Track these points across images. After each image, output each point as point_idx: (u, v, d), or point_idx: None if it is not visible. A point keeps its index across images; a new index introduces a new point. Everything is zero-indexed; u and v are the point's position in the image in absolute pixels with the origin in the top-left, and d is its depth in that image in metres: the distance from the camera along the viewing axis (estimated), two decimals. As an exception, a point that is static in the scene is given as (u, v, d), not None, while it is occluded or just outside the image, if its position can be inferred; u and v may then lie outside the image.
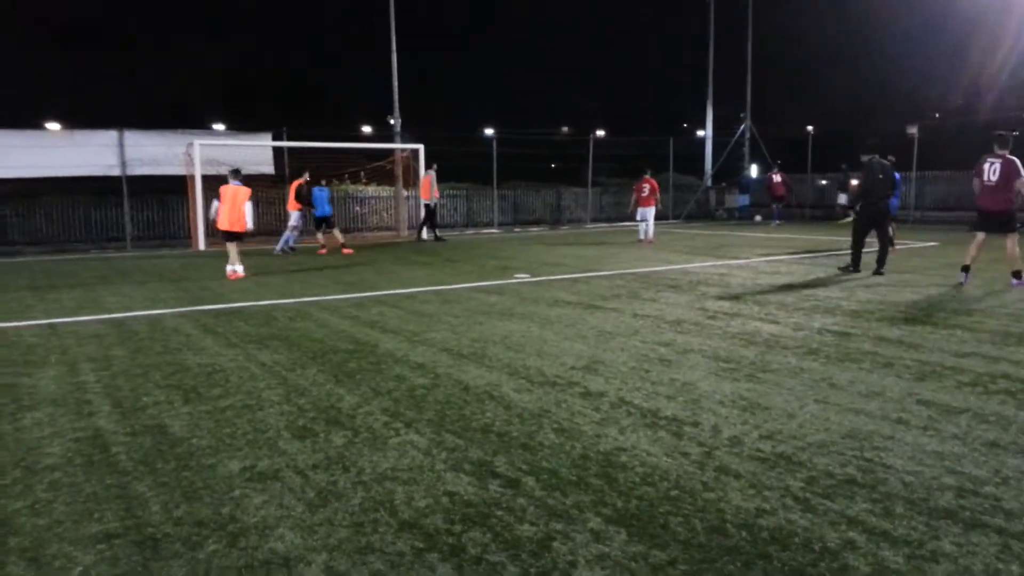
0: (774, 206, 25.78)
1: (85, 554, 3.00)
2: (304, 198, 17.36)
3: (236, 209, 12.28)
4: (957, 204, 25.79)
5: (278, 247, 17.31)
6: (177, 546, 3.06)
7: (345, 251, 16.91)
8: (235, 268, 12.35)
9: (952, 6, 38.76)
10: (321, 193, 17.48)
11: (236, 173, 12.66)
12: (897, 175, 14.91)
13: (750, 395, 5.08)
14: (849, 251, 11.86)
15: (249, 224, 12.43)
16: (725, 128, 31.95)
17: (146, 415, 4.84)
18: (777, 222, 25.16)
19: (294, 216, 17.66)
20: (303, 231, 18.57)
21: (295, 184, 17.66)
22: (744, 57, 30.31)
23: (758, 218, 27.05)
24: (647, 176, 18.71)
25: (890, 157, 12.13)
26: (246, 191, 12.37)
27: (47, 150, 18.88)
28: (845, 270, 11.65)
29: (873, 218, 11.48)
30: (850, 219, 24.48)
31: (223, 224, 12.45)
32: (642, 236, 18.64)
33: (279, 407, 4.97)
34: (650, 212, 18.50)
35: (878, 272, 11.27)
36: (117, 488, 3.66)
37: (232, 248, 12.41)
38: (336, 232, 17.62)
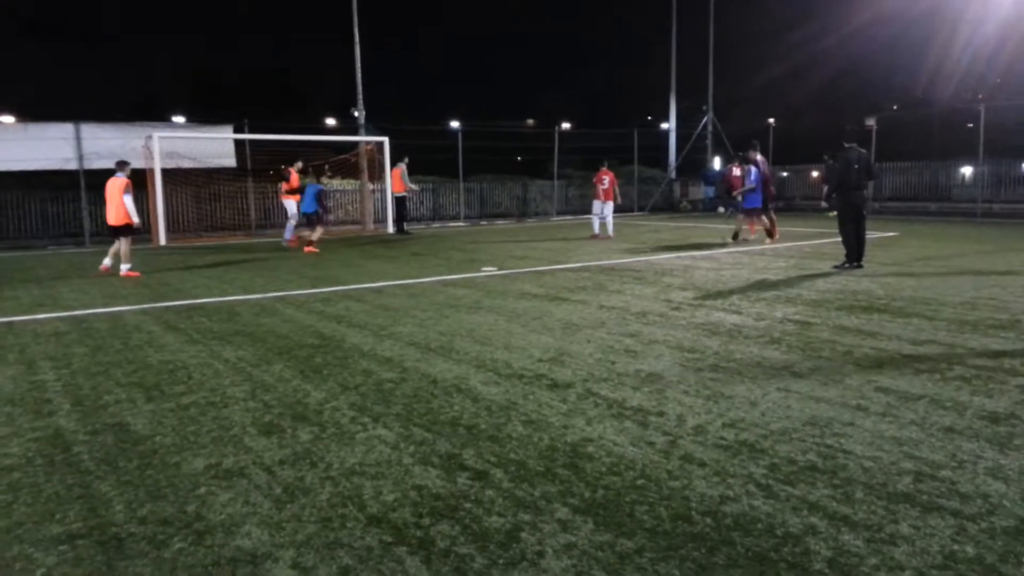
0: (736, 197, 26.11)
1: (47, 555, 2.96)
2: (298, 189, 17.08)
3: (111, 201, 11.87)
4: (915, 195, 26.36)
5: (287, 236, 17.29)
6: (142, 545, 3.02)
7: (307, 249, 16.20)
8: (125, 267, 11.88)
9: (912, 2, 39.46)
10: (311, 189, 16.83)
11: (121, 165, 12.21)
12: (754, 170, 15.24)
13: (714, 384, 5.15)
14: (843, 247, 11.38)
15: (134, 217, 11.86)
16: (688, 121, 32.21)
17: (107, 413, 4.77)
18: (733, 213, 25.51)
19: (292, 206, 17.38)
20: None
21: (290, 172, 17.47)
22: (707, 50, 30.56)
23: (721, 209, 27.31)
24: (604, 168, 17.68)
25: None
26: (122, 182, 11.82)
27: (0, 144, 18.42)
28: (841, 267, 11.14)
29: (854, 207, 11.17)
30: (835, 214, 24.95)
31: (108, 219, 12.10)
32: (596, 231, 17.65)
33: (244, 403, 4.93)
34: (608, 207, 17.57)
35: (858, 265, 11.07)
36: (79, 488, 3.61)
37: (123, 244, 11.94)
38: (316, 231, 16.77)
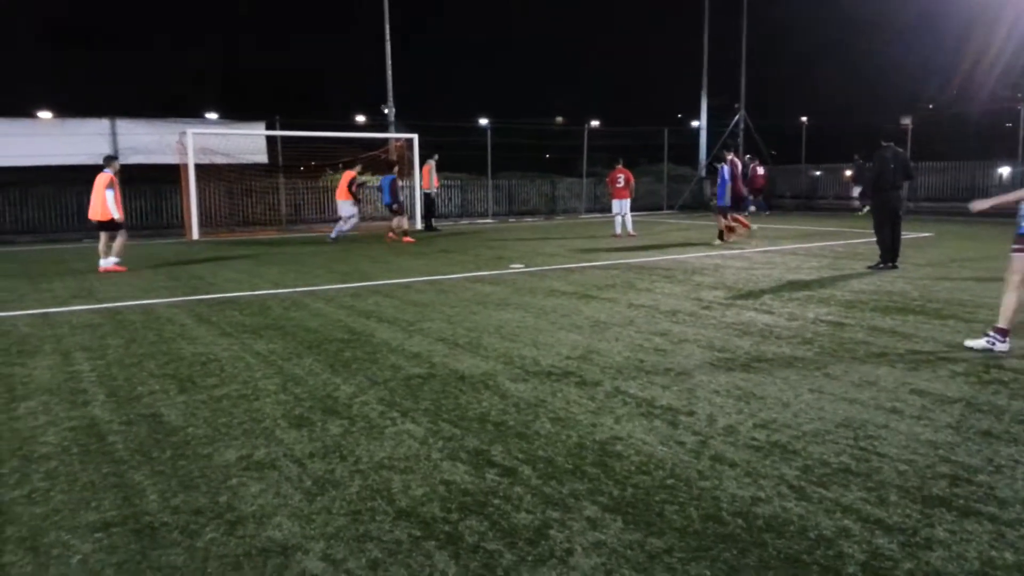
0: (758, 197, 26.08)
1: (83, 543, 3.01)
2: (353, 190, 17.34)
3: (95, 197, 11.85)
4: (951, 195, 25.90)
5: (332, 234, 17.51)
6: (175, 534, 3.06)
7: (404, 239, 17.09)
8: (105, 262, 11.87)
9: (948, 1, 38.77)
10: (384, 181, 17.51)
11: (107, 160, 12.15)
12: (726, 169, 15.11)
13: (745, 384, 5.10)
14: (877, 247, 11.25)
15: (113, 213, 11.77)
16: (719, 119, 31.93)
17: (141, 404, 4.83)
18: (767, 212, 25.33)
19: (345, 206, 17.49)
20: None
21: (347, 175, 17.57)
22: (739, 48, 30.28)
23: (752, 208, 26.98)
24: (620, 166, 17.46)
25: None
26: (105, 178, 11.80)
27: (39, 139, 18.78)
28: (875, 268, 10.99)
29: (890, 207, 10.99)
30: (866, 211, 24.57)
31: (89, 214, 12.10)
32: (618, 230, 17.44)
33: (275, 396, 4.97)
34: (626, 204, 17.34)
35: (893, 265, 10.94)
36: (114, 477, 3.66)
37: (103, 239, 11.95)
38: (396, 220, 17.43)
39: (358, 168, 17.93)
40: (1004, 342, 5.91)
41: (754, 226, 16.20)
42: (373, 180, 22.29)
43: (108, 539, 3.03)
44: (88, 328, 7.34)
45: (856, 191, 25.64)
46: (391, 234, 17.23)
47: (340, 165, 23.47)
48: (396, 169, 18.00)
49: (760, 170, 25.96)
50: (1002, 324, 5.94)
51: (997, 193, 25.44)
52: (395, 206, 17.30)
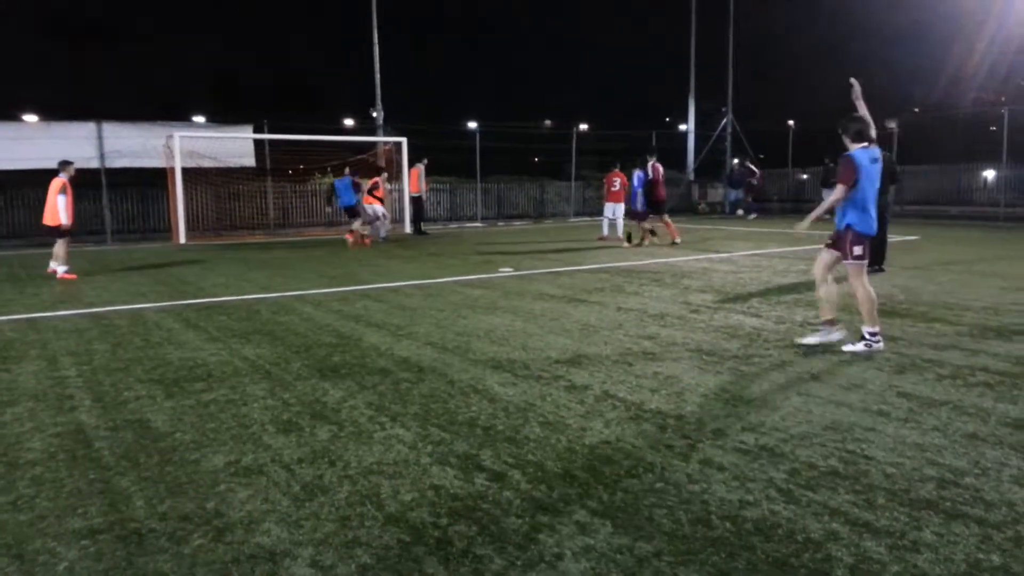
0: (749, 200, 26.30)
1: (69, 549, 2.98)
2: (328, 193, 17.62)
3: (49, 202, 11.77)
4: (936, 198, 26.10)
5: (381, 233, 18.02)
6: (162, 541, 3.04)
7: (365, 240, 17.23)
8: (55, 266, 11.73)
9: (935, 4, 39.09)
10: (342, 183, 17.41)
11: (62, 164, 12.00)
12: (640, 175, 15.26)
13: (733, 388, 5.12)
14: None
15: (63, 218, 11.68)
16: (707, 122, 32.07)
17: (128, 410, 4.80)
18: (753, 215, 25.49)
19: (375, 209, 17.88)
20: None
21: (372, 181, 18.18)
22: (726, 52, 30.43)
23: (740, 212, 27.05)
24: (616, 170, 17.60)
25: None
26: (57, 183, 11.69)
27: (24, 142, 18.61)
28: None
29: (877, 210, 11.03)
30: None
31: (43, 219, 12.00)
32: (605, 232, 17.66)
33: (263, 401, 4.95)
34: (619, 209, 17.39)
35: (879, 268, 10.86)
36: (100, 483, 3.63)
37: (58, 245, 11.82)
38: (357, 224, 17.32)
39: (384, 176, 18.74)
40: (836, 331, 6.30)
41: (645, 239, 16.18)
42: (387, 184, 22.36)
43: (94, 546, 3.00)
44: (74, 333, 7.29)
45: (827, 194, 25.84)
46: (353, 236, 17.08)
47: (329, 169, 23.45)
48: (348, 170, 17.90)
49: (756, 173, 26.24)
50: (828, 316, 6.32)
51: (980, 198, 25.39)
52: (356, 209, 17.28)
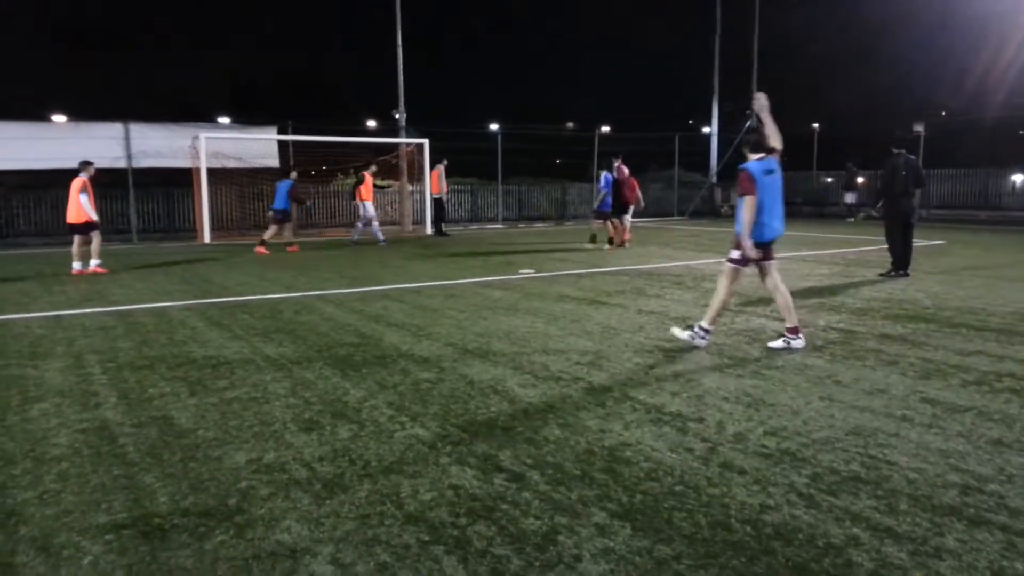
0: None
1: (93, 544, 3.03)
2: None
3: (71, 200, 12.09)
4: (964, 203, 25.78)
5: (380, 239, 17.55)
6: (185, 537, 3.08)
7: (258, 250, 15.74)
8: (81, 265, 12.02)
9: (962, 7, 38.60)
10: (282, 186, 16.27)
11: (82, 165, 12.28)
12: (607, 176, 15.05)
13: (755, 391, 5.09)
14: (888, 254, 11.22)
15: (91, 215, 12.00)
16: (730, 125, 31.87)
17: (152, 407, 4.86)
18: None
19: (367, 207, 17.68)
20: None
21: (363, 174, 17.87)
22: (751, 54, 30.24)
23: None
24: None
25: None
26: (78, 182, 11.98)
27: (53, 142, 18.88)
28: (887, 275, 10.90)
29: (901, 214, 10.89)
30: (860, 218, 24.45)
31: (67, 218, 12.34)
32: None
33: (285, 400, 4.99)
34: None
35: (904, 273, 10.89)
36: (124, 479, 3.68)
37: (76, 242, 12.15)
38: (285, 228, 16.32)
39: (372, 169, 18.16)
40: (798, 338, 6.40)
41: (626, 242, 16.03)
42: (387, 183, 22.40)
43: (118, 541, 3.05)
44: (100, 331, 7.39)
45: (848, 197, 25.57)
46: (276, 242, 16.12)
47: (352, 170, 23.57)
48: (294, 175, 16.86)
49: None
50: (791, 324, 6.44)
51: (1009, 202, 25.10)
52: (278, 215, 16.07)
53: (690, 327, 6.57)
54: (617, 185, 15.55)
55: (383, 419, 4.57)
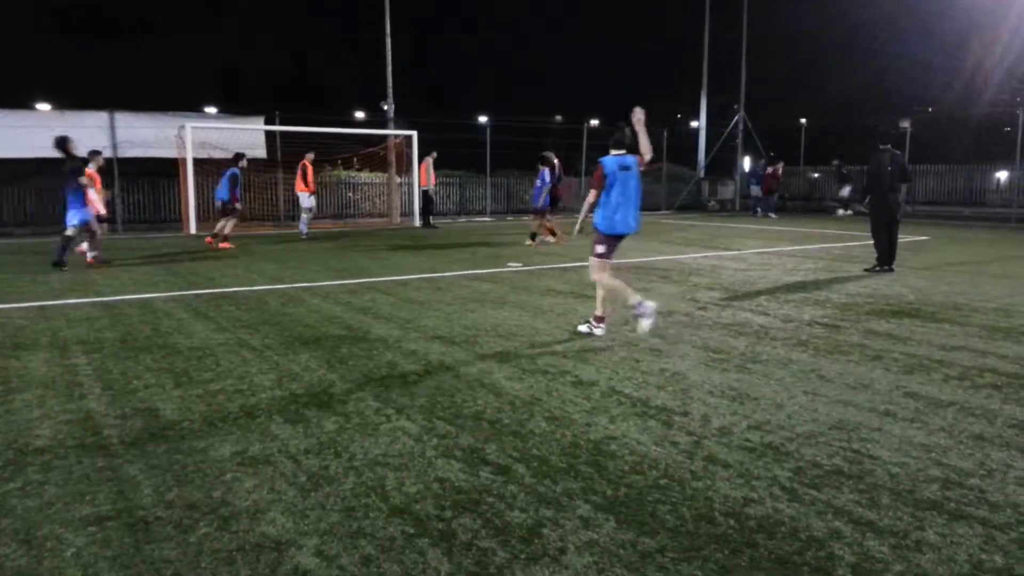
0: (775, 198, 26.07)
1: (77, 536, 3.01)
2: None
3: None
4: (948, 199, 25.95)
5: (303, 229, 17.37)
6: (168, 529, 3.07)
7: (220, 244, 14.89)
8: (91, 254, 11.98)
9: (950, 3, 38.78)
10: (226, 174, 15.09)
11: (90, 154, 12.28)
12: (545, 172, 15.07)
13: (739, 385, 5.12)
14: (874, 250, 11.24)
15: (99, 208, 11.96)
16: (718, 119, 31.93)
17: (137, 398, 4.84)
18: (773, 215, 25.29)
19: (305, 198, 17.46)
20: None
21: (302, 164, 17.45)
22: (739, 48, 30.29)
23: (773, 216, 26.14)
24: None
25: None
26: (86, 172, 11.83)
27: (37, 131, 18.64)
28: (872, 271, 10.99)
29: (886, 210, 10.94)
30: (848, 214, 24.55)
31: None
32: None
33: (271, 392, 4.98)
34: None
35: (889, 269, 10.97)
36: (108, 471, 3.67)
37: (98, 231, 12.14)
38: (223, 222, 15.06)
39: (310, 156, 17.72)
40: (600, 327, 6.74)
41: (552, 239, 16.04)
42: (359, 175, 22.25)
43: (102, 533, 3.04)
44: (85, 321, 7.34)
45: (844, 191, 25.66)
46: (209, 238, 15.22)
47: (339, 161, 23.45)
48: (243, 163, 15.54)
49: (770, 170, 26.06)
50: (600, 312, 6.79)
51: (993, 199, 25.23)
52: (229, 206, 14.91)
53: (587, 320, 6.87)
54: (556, 182, 15.57)
55: (369, 412, 4.57)
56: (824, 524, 3.10)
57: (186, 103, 26.86)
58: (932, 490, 3.43)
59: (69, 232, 11.46)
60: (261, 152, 21.50)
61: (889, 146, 10.96)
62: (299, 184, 17.59)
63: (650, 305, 6.56)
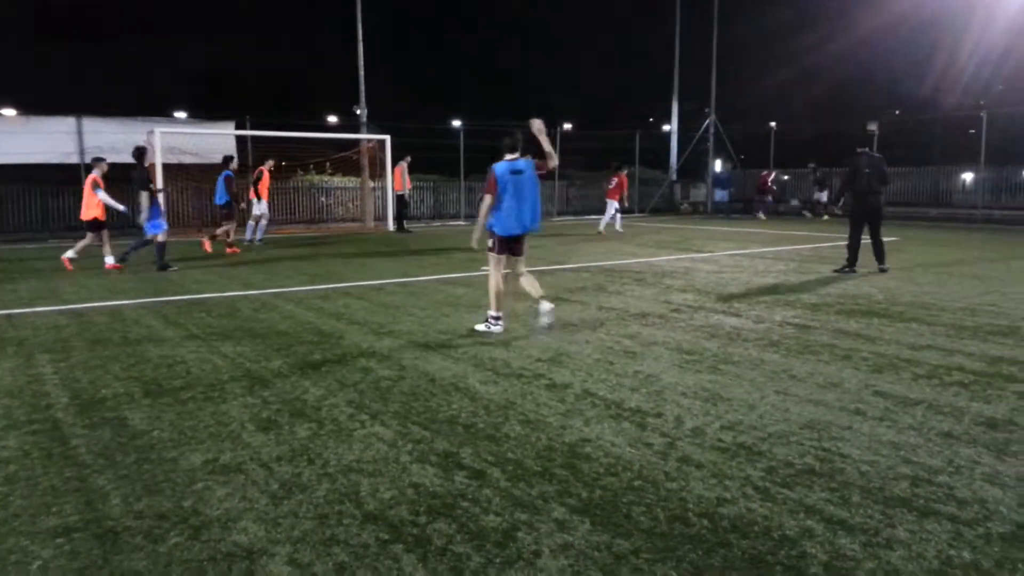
0: (768, 200, 26.34)
1: (43, 548, 2.96)
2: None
3: (85, 197, 12.07)
4: (916, 200, 26.35)
5: (257, 237, 17.08)
6: (138, 539, 3.02)
7: (227, 249, 15.11)
8: (108, 260, 12.06)
9: (917, 9, 39.44)
10: (220, 179, 15.55)
11: (94, 160, 12.28)
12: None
13: (712, 386, 5.15)
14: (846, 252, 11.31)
15: (117, 207, 12.01)
16: (690, 123, 32.16)
17: (105, 407, 4.76)
18: (762, 216, 25.53)
19: (256, 205, 17.22)
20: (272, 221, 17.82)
21: (257, 171, 17.32)
22: (710, 53, 30.54)
23: (761, 215, 26.31)
24: (622, 172, 19.05)
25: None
26: (89, 178, 11.98)
27: (2, 136, 18.41)
28: (841, 271, 11.07)
29: (867, 213, 11.06)
30: (825, 218, 24.80)
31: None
32: (602, 228, 18.75)
33: (242, 399, 4.93)
34: (611, 205, 18.83)
35: (882, 269, 11.07)
36: (76, 481, 3.60)
37: (88, 238, 12.22)
38: (225, 227, 15.38)
39: (269, 164, 17.71)
40: (499, 324, 7.03)
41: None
42: (332, 179, 22.10)
43: (69, 544, 2.98)
44: (52, 329, 7.22)
45: (822, 196, 25.99)
46: (207, 241, 15.29)
47: (312, 166, 23.29)
48: (233, 165, 15.95)
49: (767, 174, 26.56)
50: (493, 312, 7.06)
51: (959, 200, 25.63)
52: (225, 210, 15.33)
53: (485, 320, 7.10)
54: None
55: (343, 418, 4.54)
56: (796, 523, 3.13)
57: (157, 109, 26.56)
58: (902, 487, 3.48)
59: (160, 238, 11.94)
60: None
61: (867, 149, 11.10)
62: (251, 190, 17.31)
63: (503, 324, 6.99)
